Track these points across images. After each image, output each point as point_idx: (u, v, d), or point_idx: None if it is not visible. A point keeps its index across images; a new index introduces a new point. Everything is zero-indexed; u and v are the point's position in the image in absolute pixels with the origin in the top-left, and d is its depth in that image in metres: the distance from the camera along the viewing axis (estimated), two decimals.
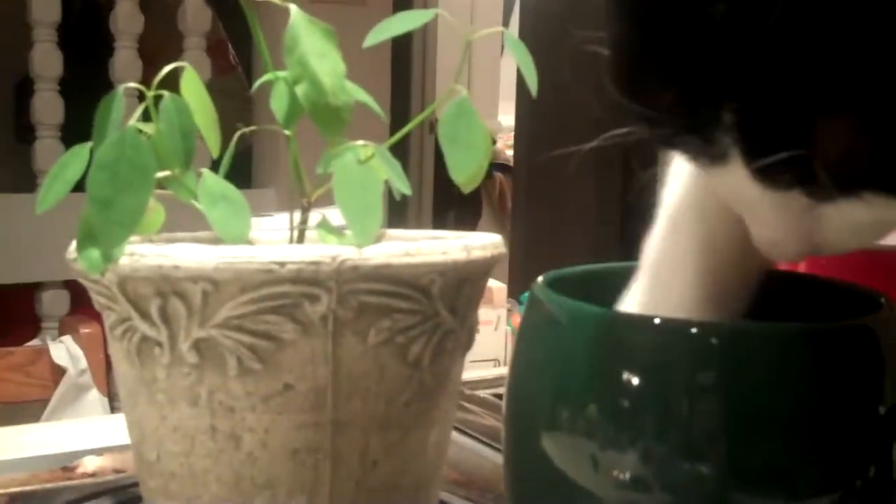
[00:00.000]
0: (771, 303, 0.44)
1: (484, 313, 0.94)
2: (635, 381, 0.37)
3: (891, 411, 0.37)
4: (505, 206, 3.79)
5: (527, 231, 2.71)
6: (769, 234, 0.39)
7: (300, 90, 0.43)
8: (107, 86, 2.00)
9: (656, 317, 0.38)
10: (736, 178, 0.36)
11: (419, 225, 2.97)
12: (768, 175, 0.35)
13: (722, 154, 0.36)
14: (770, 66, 0.33)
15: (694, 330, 0.37)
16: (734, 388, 0.36)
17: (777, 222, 0.38)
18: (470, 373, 0.84)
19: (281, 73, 0.45)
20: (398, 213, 2.75)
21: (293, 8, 0.44)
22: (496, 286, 0.96)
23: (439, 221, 3.28)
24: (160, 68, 0.44)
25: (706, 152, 0.36)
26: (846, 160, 0.34)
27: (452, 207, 3.68)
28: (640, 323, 0.38)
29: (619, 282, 0.47)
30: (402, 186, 0.46)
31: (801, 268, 0.58)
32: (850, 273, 0.54)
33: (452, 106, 0.45)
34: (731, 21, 0.33)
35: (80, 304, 2.08)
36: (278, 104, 0.44)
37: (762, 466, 0.36)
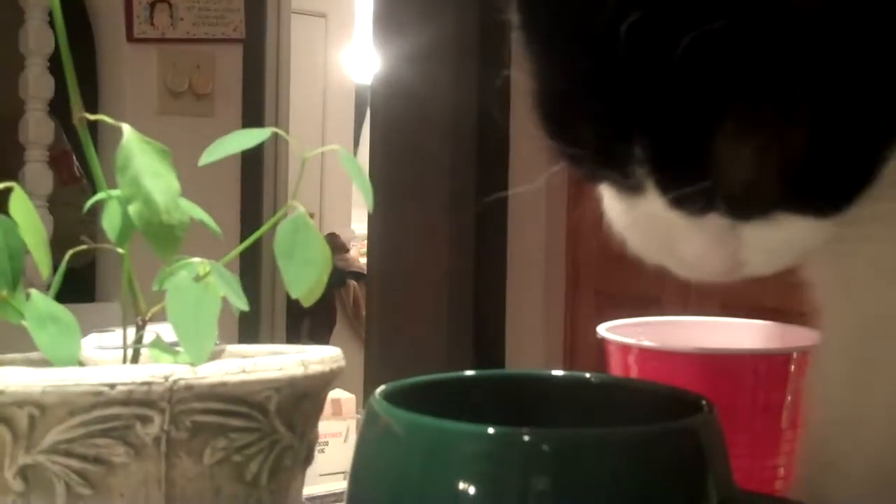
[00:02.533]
0: (600, 409, 0.45)
1: (333, 425, 0.93)
2: (472, 490, 0.38)
3: None
4: (359, 314, 3.78)
5: (381, 339, 2.71)
6: (694, 256, 0.41)
7: (133, 209, 0.43)
8: None
9: (490, 426, 0.39)
10: (655, 207, 0.39)
11: (273, 336, 2.94)
12: (682, 202, 0.38)
13: (639, 185, 0.38)
14: (671, 102, 0.36)
15: (526, 438, 0.38)
16: (568, 493, 0.37)
17: (699, 243, 0.40)
18: (318, 487, 0.83)
19: (114, 192, 0.44)
20: (251, 325, 2.72)
21: (126, 128, 0.44)
22: (345, 397, 0.96)
23: (293, 332, 3.25)
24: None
25: (625, 184, 0.39)
26: (751, 186, 0.37)
27: (306, 317, 3.66)
28: (474, 433, 0.39)
29: (459, 391, 0.48)
30: (240, 303, 0.46)
31: (634, 372, 0.60)
32: (677, 376, 0.56)
33: (288, 222, 0.46)
34: (634, 64, 0.36)
35: None
36: (110, 223, 0.44)
37: None
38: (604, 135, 0.38)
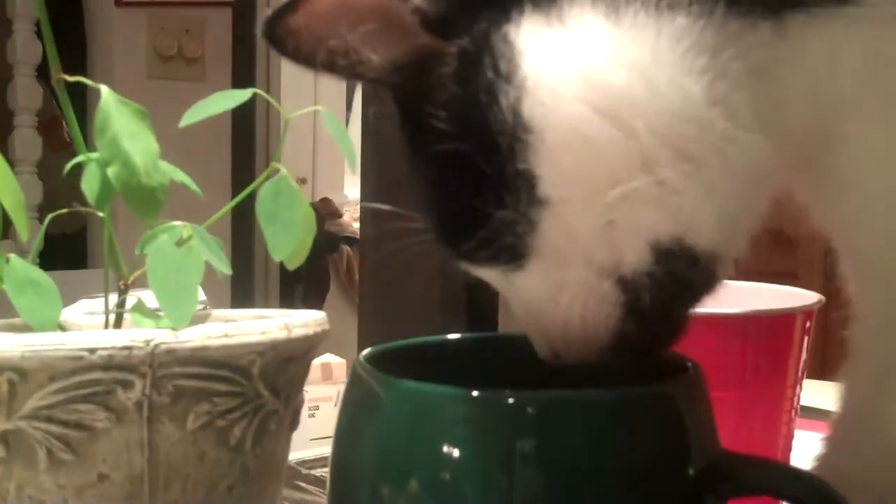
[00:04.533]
0: (590, 370, 0.45)
1: (324, 390, 0.93)
2: (456, 453, 0.37)
3: (700, 473, 0.38)
4: (353, 279, 3.77)
5: (374, 303, 2.70)
6: None
7: (112, 171, 0.42)
8: None
9: (473, 389, 0.38)
10: None
11: (267, 303, 2.93)
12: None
13: None
14: None
15: (511, 400, 0.37)
16: (552, 455, 0.37)
17: None
18: (308, 451, 0.83)
19: (93, 155, 0.44)
20: (245, 292, 2.71)
21: (104, 89, 0.43)
22: (335, 361, 0.95)
23: (287, 298, 3.25)
24: None
25: None
26: None
27: (300, 282, 3.65)
28: (458, 396, 0.39)
29: (444, 354, 0.48)
30: (222, 267, 0.45)
31: None
32: None
33: (270, 185, 0.45)
34: None
35: None
36: (89, 185, 0.43)
37: None
38: None
